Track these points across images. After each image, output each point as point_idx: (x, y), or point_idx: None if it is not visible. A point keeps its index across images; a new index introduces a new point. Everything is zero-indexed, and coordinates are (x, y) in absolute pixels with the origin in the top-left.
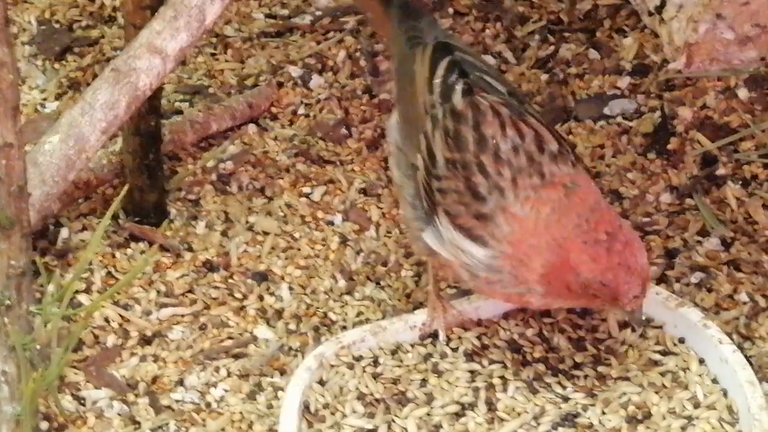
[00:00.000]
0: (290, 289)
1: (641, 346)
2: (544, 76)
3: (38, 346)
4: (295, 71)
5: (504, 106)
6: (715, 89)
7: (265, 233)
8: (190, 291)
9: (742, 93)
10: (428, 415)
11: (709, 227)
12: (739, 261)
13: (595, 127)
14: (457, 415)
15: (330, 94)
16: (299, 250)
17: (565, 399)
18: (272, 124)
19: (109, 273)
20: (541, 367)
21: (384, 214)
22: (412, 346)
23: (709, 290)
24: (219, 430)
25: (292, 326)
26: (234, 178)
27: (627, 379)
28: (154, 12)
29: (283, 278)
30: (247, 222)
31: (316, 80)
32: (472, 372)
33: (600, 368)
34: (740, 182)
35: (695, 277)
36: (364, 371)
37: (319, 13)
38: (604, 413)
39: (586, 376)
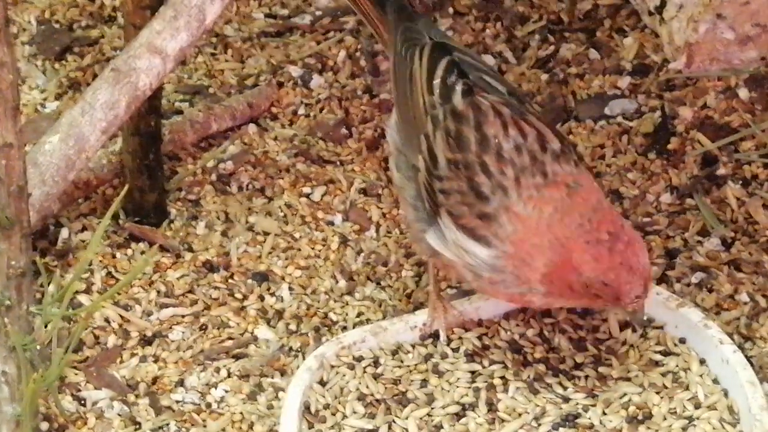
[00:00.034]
0: (290, 289)
1: (642, 347)
2: (545, 76)
3: (38, 347)
4: (295, 71)
5: (505, 106)
6: (715, 89)
7: (266, 233)
8: (191, 291)
9: (743, 93)
10: (429, 415)
11: (710, 227)
12: (739, 261)
13: (596, 127)
14: (458, 416)
15: (330, 94)
16: (299, 250)
17: (566, 399)
18: (272, 124)
19: (109, 273)
20: (541, 367)
21: (384, 214)
22: (413, 346)
23: (710, 290)
24: (219, 431)
25: (293, 327)
26: (234, 178)
27: (628, 379)
28: (154, 12)
29: (283, 278)
30: (247, 222)
31: (316, 80)
32: (472, 372)
33: (601, 369)
34: (741, 182)
35: (696, 278)
36: (365, 372)
37: (319, 12)
38: (604, 414)
39: (586, 377)
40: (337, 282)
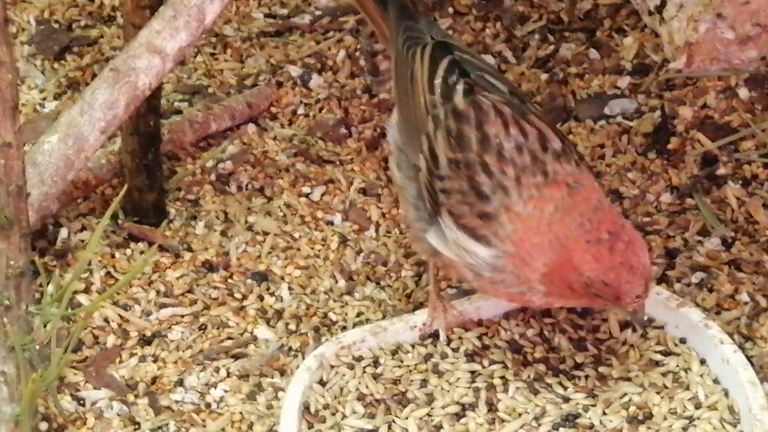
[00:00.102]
0: (290, 289)
1: (642, 347)
2: (544, 76)
3: (37, 347)
4: (294, 71)
5: (506, 105)
6: (715, 89)
7: (265, 233)
8: (190, 291)
9: (743, 92)
10: (429, 415)
11: (710, 227)
12: (739, 261)
13: (596, 127)
14: (458, 416)
15: (329, 93)
16: (299, 250)
17: (566, 399)
18: (272, 123)
19: (108, 273)
20: (541, 367)
21: (384, 214)
22: (413, 346)
23: (710, 290)
24: (219, 431)
25: (292, 326)
26: (233, 178)
27: (628, 379)
28: (153, 11)
29: (282, 278)
30: (246, 222)
31: (315, 80)
32: (472, 372)
33: (601, 368)
34: (741, 182)
35: (696, 277)
36: (365, 371)
37: (318, 12)
38: (605, 414)
39: (587, 377)
40: (336, 282)
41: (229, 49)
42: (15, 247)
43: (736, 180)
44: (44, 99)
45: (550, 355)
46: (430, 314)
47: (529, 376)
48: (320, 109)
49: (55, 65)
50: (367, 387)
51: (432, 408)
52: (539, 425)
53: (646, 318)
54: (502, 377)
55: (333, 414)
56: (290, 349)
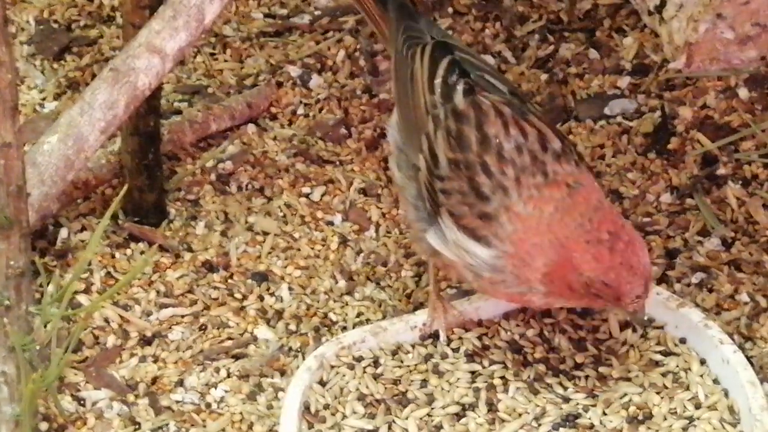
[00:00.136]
0: (290, 289)
1: (642, 347)
2: (544, 76)
3: (38, 347)
4: (294, 71)
5: (506, 106)
6: (715, 89)
7: (265, 233)
8: (190, 291)
9: (743, 93)
10: (429, 415)
11: (710, 227)
12: (739, 261)
13: (595, 127)
14: (458, 416)
15: (329, 93)
16: (299, 250)
17: (566, 399)
18: (271, 124)
19: (108, 273)
20: (541, 367)
21: (384, 214)
22: (413, 346)
23: (710, 290)
24: (219, 431)
25: (293, 327)
26: (233, 178)
27: (628, 379)
28: (153, 11)
29: (283, 278)
30: (246, 222)
31: (315, 80)
32: (472, 372)
33: (601, 369)
34: (741, 182)
35: (696, 278)
36: (365, 372)
37: (318, 12)
38: (605, 414)
39: (587, 377)
40: (336, 282)
41: (228, 49)
42: (15, 247)
43: (736, 180)
44: (44, 99)
45: (550, 355)
46: (430, 314)
47: (529, 377)
48: (320, 110)
49: (55, 65)
50: (367, 387)
51: (432, 408)
52: (539, 425)
53: (646, 318)
54: (502, 377)
55: (333, 414)
56: (290, 349)
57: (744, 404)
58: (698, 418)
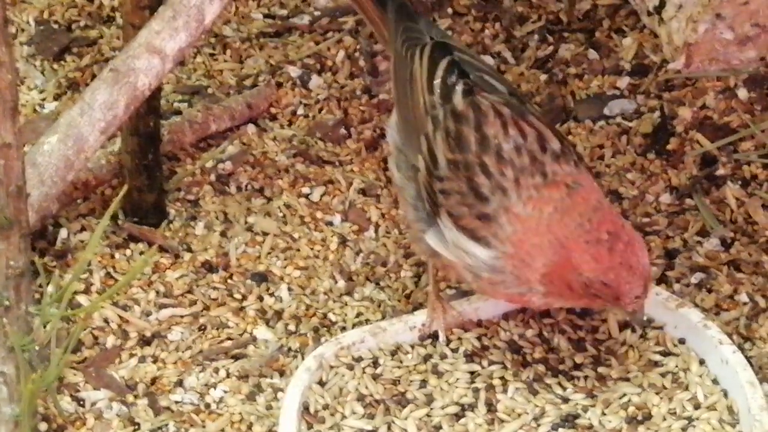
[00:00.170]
0: (290, 289)
1: (641, 347)
2: (544, 77)
3: (37, 347)
4: (294, 71)
5: (505, 106)
6: (714, 89)
7: (265, 234)
8: (190, 292)
9: (742, 93)
10: (428, 416)
11: (709, 227)
12: (739, 261)
13: (595, 128)
14: (457, 416)
15: (329, 94)
16: (298, 250)
17: (565, 400)
18: (271, 124)
19: (108, 274)
20: (541, 367)
21: (383, 215)
22: (412, 346)
23: (709, 291)
24: (218, 431)
25: (292, 327)
26: (233, 179)
27: (627, 379)
28: (152, 12)
29: (282, 279)
30: (246, 222)
31: (315, 80)
32: (472, 373)
33: (600, 369)
34: (740, 182)
35: (695, 278)
36: (364, 372)
37: (317, 13)
38: (604, 414)
39: (586, 377)
40: (336, 282)
41: (228, 50)
42: (15, 247)
43: (736, 180)
44: (44, 99)
45: (549, 355)
46: (429, 315)
47: (528, 377)
48: (320, 110)
49: (55, 66)
50: (366, 387)
51: (431, 408)
52: (538, 426)
53: (645, 318)
54: (502, 378)
55: (332, 414)
56: (290, 349)
57: (743, 404)
58: (697, 419)
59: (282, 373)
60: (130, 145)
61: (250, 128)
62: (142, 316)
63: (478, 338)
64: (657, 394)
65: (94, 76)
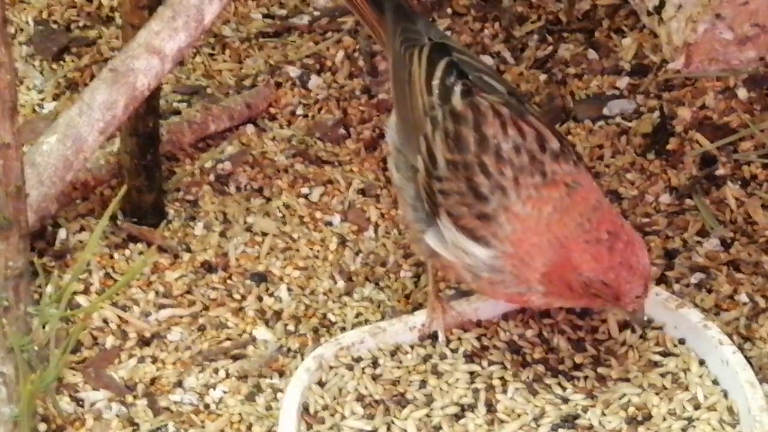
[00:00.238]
0: (289, 290)
1: (641, 347)
2: (543, 77)
3: (36, 348)
4: (293, 71)
5: (504, 106)
6: (714, 89)
7: (264, 234)
8: (189, 292)
9: (742, 93)
10: (428, 416)
11: (709, 228)
12: (738, 261)
13: (594, 128)
14: (457, 417)
15: (328, 94)
16: (298, 250)
17: (565, 400)
18: (270, 124)
19: (107, 274)
20: (540, 368)
21: (383, 215)
22: (412, 347)
23: (709, 291)
24: None
25: (291, 327)
26: (232, 179)
27: (627, 380)
28: (152, 12)
29: (281, 279)
30: (245, 222)
31: (314, 80)
32: (471, 373)
33: (600, 369)
34: (739, 182)
35: (695, 278)
36: (364, 372)
37: (317, 13)
38: (604, 414)
39: (586, 377)
40: (335, 282)
41: (227, 50)
42: (14, 247)
43: (735, 180)
44: (43, 100)
45: (549, 355)
46: (428, 315)
47: (528, 377)
48: (319, 110)
49: (54, 66)
50: (366, 388)
51: (431, 409)
52: (538, 426)
53: (645, 318)
54: (501, 378)
55: (332, 415)
56: (289, 350)
57: (743, 405)
58: (697, 419)
59: (281, 374)
60: (129, 145)
61: (249, 128)
62: (142, 317)
63: (478, 338)
64: (657, 394)
65: (93, 76)
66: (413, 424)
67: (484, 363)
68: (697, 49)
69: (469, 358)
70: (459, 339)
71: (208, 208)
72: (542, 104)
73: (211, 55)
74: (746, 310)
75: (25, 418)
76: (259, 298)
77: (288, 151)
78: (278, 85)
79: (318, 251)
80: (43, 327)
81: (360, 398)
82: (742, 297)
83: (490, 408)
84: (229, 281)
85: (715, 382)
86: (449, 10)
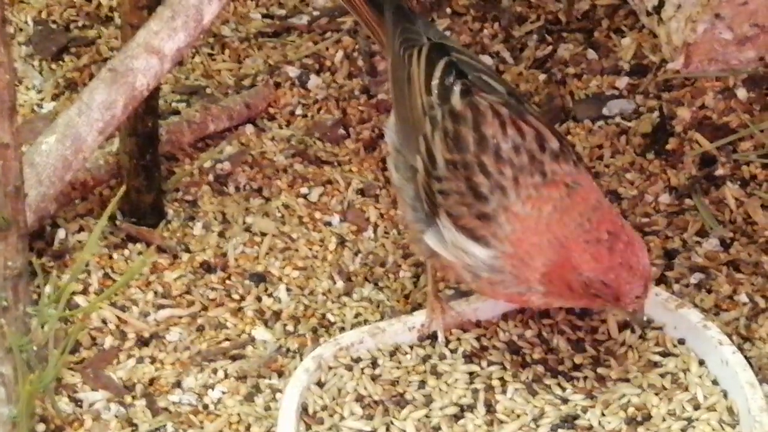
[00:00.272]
0: (288, 290)
1: (641, 348)
2: (542, 76)
3: (35, 348)
4: (292, 71)
5: (504, 106)
6: (713, 89)
7: (263, 234)
8: (188, 292)
9: (741, 93)
10: (427, 416)
11: (708, 228)
12: (738, 261)
13: (594, 128)
14: (456, 417)
15: (327, 94)
16: (297, 250)
17: (565, 400)
18: (270, 124)
19: (106, 274)
20: (540, 368)
21: (382, 215)
22: (411, 347)
23: (709, 291)
24: None
25: (290, 327)
26: (231, 179)
27: (627, 380)
28: (151, 12)
29: (280, 279)
30: (244, 223)
31: (313, 80)
32: (471, 373)
33: (599, 369)
34: (739, 182)
35: (695, 278)
36: (363, 373)
37: (316, 13)
38: (603, 415)
39: (585, 378)
40: (334, 283)
41: (227, 50)
42: (12, 247)
43: (735, 180)
44: (42, 99)
45: (548, 356)
46: (428, 315)
47: (527, 377)
48: (318, 110)
49: (53, 66)
50: (365, 388)
51: (430, 409)
52: (538, 426)
53: (645, 319)
54: (501, 378)
55: (331, 415)
56: (288, 350)
57: (743, 405)
58: (697, 419)
59: (280, 374)
60: (129, 145)
61: (249, 128)
62: (140, 317)
63: (477, 339)
64: (656, 394)
65: (92, 76)
66: (412, 425)
67: (484, 363)
68: (697, 49)
69: (469, 358)
70: (458, 339)
71: (207, 208)
72: (542, 104)
73: (210, 55)
74: (746, 311)
75: (24, 418)
76: (258, 299)
77: (287, 151)
78: (277, 85)
79: (317, 251)
80: (42, 327)
81: (359, 399)
82: (742, 297)
83: (490, 408)
84: (228, 281)
85: (714, 383)
86: (448, 10)
